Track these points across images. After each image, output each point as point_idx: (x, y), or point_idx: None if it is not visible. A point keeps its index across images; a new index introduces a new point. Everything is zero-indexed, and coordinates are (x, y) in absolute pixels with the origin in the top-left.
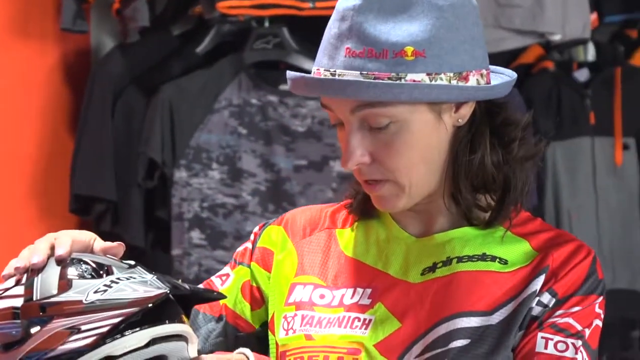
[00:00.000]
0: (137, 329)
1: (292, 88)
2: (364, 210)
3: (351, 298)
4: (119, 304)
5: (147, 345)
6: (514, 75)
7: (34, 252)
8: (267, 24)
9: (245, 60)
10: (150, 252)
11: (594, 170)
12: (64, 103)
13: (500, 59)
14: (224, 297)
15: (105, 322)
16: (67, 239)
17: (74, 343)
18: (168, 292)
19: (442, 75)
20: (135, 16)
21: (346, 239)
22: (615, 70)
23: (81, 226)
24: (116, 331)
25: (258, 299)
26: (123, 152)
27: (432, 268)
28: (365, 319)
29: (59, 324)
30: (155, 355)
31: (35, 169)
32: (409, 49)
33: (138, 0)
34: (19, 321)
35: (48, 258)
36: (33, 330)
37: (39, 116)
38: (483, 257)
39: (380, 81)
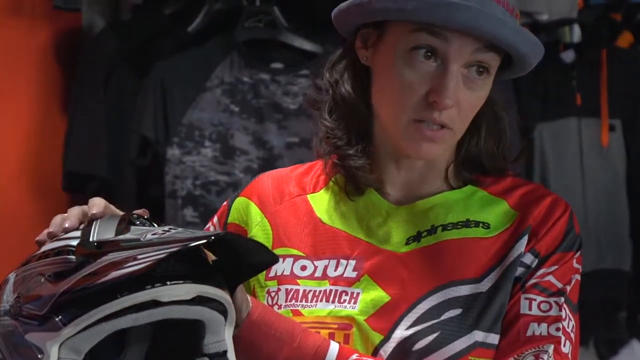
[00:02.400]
0: (187, 281)
1: (413, 12)
2: (371, 178)
3: (335, 270)
4: (178, 239)
5: (192, 301)
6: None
7: (92, 205)
8: (258, 2)
9: (237, 38)
10: None
11: (580, 151)
12: (56, 81)
13: None
14: (277, 259)
15: (162, 251)
16: (101, 202)
17: (128, 269)
18: (227, 232)
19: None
20: None
21: (320, 204)
22: (601, 51)
23: (74, 205)
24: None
25: None
26: (115, 130)
27: (417, 237)
28: (353, 293)
29: (113, 256)
30: (196, 317)
31: (28, 147)
32: (517, 12)
33: None
34: (73, 257)
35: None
36: (85, 263)
37: (31, 94)
38: (467, 224)
39: (527, 32)
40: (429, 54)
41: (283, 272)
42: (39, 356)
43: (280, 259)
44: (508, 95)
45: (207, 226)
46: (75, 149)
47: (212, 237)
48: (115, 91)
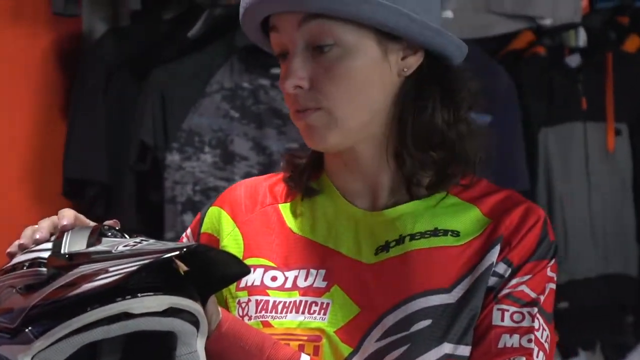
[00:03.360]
0: (159, 293)
1: (244, 21)
2: (305, 185)
3: (305, 280)
4: (149, 251)
5: (165, 313)
6: (466, 46)
7: (62, 217)
8: None
9: (237, 43)
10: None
11: (586, 155)
12: (56, 87)
13: (492, 44)
14: (249, 271)
15: (134, 264)
16: (71, 213)
17: (99, 282)
18: (199, 244)
19: (396, 6)
20: (126, 0)
21: (292, 214)
22: (607, 55)
23: (74, 210)
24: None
25: None
26: (115, 135)
27: (386, 247)
28: (323, 303)
29: (85, 268)
30: (168, 329)
31: (28, 153)
32: None
33: None
34: (44, 269)
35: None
36: (56, 275)
37: (31, 100)
38: (435, 232)
39: None
40: (283, 56)
41: (253, 282)
42: None
43: (251, 269)
44: (512, 99)
45: (182, 236)
46: (74, 154)
47: (184, 249)
48: (115, 96)
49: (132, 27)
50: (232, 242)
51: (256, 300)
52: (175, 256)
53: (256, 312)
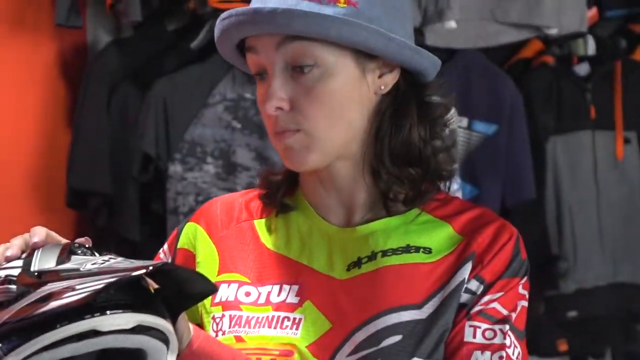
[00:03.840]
0: (127, 310)
1: (219, 42)
2: (280, 202)
3: (278, 296)
4: (117, 269)
5: (133, 330)
6: (439, 61)
7: (33, 234)
8: None
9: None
10: (145, 246)
11: (594, 164)
12: (60, 98)
13: (500, 53)
14: (215, 289)
15: (101, 282)
16: (42, 230)
17: (66, 299)
18: (165, 262)
19: (372, 26)
20: (128, 11)
21: (266, 230)
22: (616, 64)
23: (78, 220)
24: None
25: None
26: (118, 146)
27: (358, 263)
28: (295, 319)
29: (53, 286)
30: (137, 346)
31: (32, 164)
32: None
33: None
34: (14, 286)
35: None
36: (26, 293)
37: (35, 111)
38: (407, 249)
39: (312, 11)
40: (260, 75)
41: (227, 298)
42: None
43: (226, 285)
44: (518, 108)
45: (158, 252)
46: (78, 165)
47: (150, 267)
48: (118, 107)
49: (135, 38)
50: (208, 257)
51: (230, 316)
52: (142, 274)
53: (230, 327)
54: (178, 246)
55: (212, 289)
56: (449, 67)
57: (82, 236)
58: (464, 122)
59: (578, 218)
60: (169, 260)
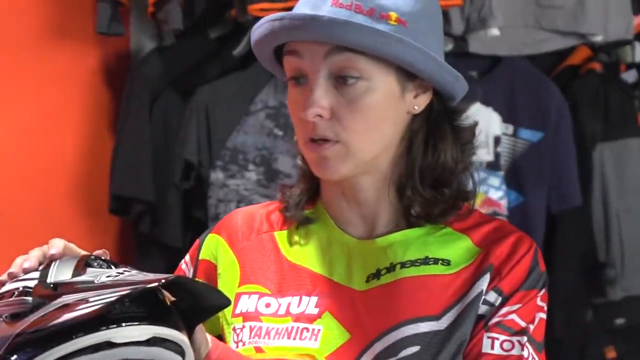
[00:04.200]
0: (143, 322)
1: (262, 40)
2: (300, 215)
3: (298, 307)
4: (130, 281)
5: (148, 342)
6: (467, 86)
7: (51, 246)
8: None
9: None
10: (187, 252)
11: None
12: (103, 105)
13: (547, 60)
14: (229, 303)
15: (114, 294)
16: (60, 242)
17: (80, 311)
18: (178, 275)
19: (421, 47)
20: (169, 19)
21: (287, 242)
22: None
23: (121, 227)
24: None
25: None
26: (161, 153)
27: (377, 275)
28: (314, 329)
29: (68, 298)
30: (152, 357)
31: (76, 170)
32: (394, 15)
33: (171, 3)
34: (29, 298)
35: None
36: (41, 304)
37: (79, 118)
38: (426, 261)
39: (368, 26)
40: (297, 79)
41: (248, 309)
42: None
43: (246, 296)
44: (564, 115)
45: (180, 263)
46: (120, 172)
47: (163, 280)
48: (160, 115)
49: (178, 45)
50: (228, 268)
51: (250, 326)
52: (156, 287)
53: (250, 338)
54: (200, 257)
55: (226, 302)
56: (494, 74)
57: (125, 242)
58: (510, 129)
59: (626, 225)
60: (191, 271)
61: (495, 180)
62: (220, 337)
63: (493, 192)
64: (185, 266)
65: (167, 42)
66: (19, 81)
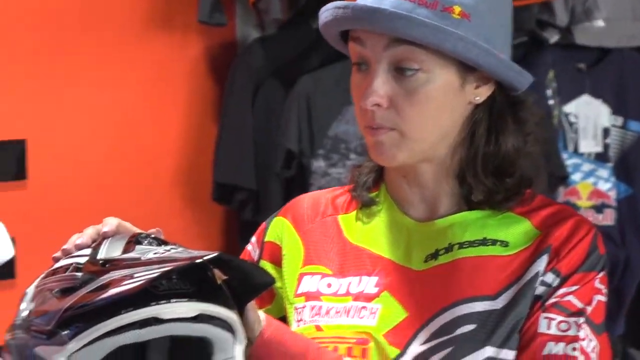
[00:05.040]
0: (190, 299)
1: (327, 25)
2: (366, 196)
3: (357, 286)
4: (175, 258)
5: (195, 319)
6: (532, 78)
7: (105, 224)
8: None
9: None
10: None
11: None
12: (207, 94)
13: None
14: (272, 281)
15: (158, 270)
16: (114, 221)
17: (125, 286)
18: (221, 252)
19: (481, 43)
20: (269, 9)
21: (349, 225)
22: None
23: (225, 215)
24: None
25: (266, 297)
26: (263, 142)
27: (434, 255)
28: (372, 308)
29: (114, 274)
30: (199, 334)
31: (180, 158)
32: (457, 8)
33: None
34: (80, 274)
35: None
36: (90, 280)
37: (183, 106)
38: (484, 242)
39: (431, 22)
40: (359, 65)
41: (310, 289)
42: None
43: (309, 276)
44: None
45: (246, 246)
46: (223, 160)
47: (206, 257)
48: (263, 104)
49: (280, 35)
50: (293, 250)
51: (311, 306)
52: (200, 264)
53: (310, 317)
54: (265, 239)
55: (269, 280)
56: (602, 66)
57: (229, 230)
58: (619, 121)
59: None
60: (257, 253)
61: (604, 172)
62: (284, 318)
63: (602, 184)
64: (251, 248)
65: (270, 32)
66: (124, 71)
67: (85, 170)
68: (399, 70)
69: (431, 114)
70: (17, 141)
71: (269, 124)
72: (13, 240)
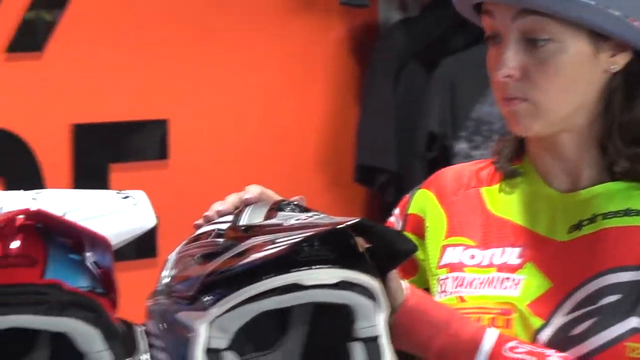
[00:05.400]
0: (332, 266)
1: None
2: (509, 167)
3: (500, 257)
4: (317, 224)
5: (337, 286)
6: None
7: (247, 191)
8: None
9: None
10: None
11: None
12: (349, 76)
13: None
14: (415, 249)
15: (300, 236)
16: (257, 188)
17: (266, 252)
18: (363, 218)
19: (610, 11)
20: None
21: (493, 197)
22: None
23: (367, 196)
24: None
25: (409, 269)
26: (405, 124)
27: (578, 226)
28: (515, 279)
29: (256, 239)
30: (340, 301)
31: (322, 140)
32: None
33: None
34: (221, 240)
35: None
36: (232, 246)
37: (324, 88)
38: (627, 212)
39: None
40: (493, 39)
41: (452, 260)
42: (190, 334)
43: (452, 248)
44: None
45: (389, 217)
46: (365, 142)
47: (348, 222)
48: (405, 86)
49: (423, 17)
50: (436, 222)
51: (453, 277)
52: (342, 230)
53: (453, 288)
54: (408, 212)
55: (411, 247)
56: None
57: (371, 212)
58: None
59: None
60: (400, 225)
61: None
62: (427, 291)
63: None
64: (394, 219)
65: (412, 13)
66: (266, 53)
67: (227, 151)
68: (530, 42)
69: (563, 84)
70: (160, 121)
71: (411, 106)
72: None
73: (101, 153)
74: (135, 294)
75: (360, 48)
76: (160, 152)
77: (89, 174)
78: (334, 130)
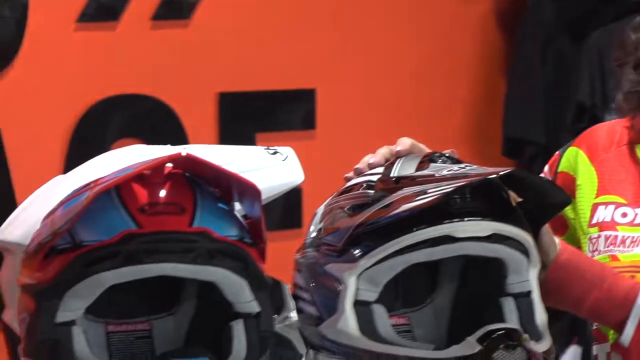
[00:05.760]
0: (485, 218)
1: None
2: None
3: None
4: (469, 174)
5: (489, 238)
6: None
7: (398, 144)
8: None
9: None
10: None
11: None
12: (496, 48)
13: None
14: (568, 200)
15: (451, 186)
16: (408, 141)
17: (417, 202)
18: (515, 168)
19: None
20: None
21: None
22: None
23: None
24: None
25: (559, 227)
26: (553, 96)
27: None
28: None
29: (407, 190)
30: (492, 254)
31: (469, 113)
32: None
33: None
34: (371, 191)
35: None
36: (382, 197)
37: (470, 61)
38: None
39: None
40: None
41: (604, 218)
42: (339, 287)
43: (603, 206)
44: None
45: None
46: (513, 115)
47: (500, 172)
48: (553, 58)
49: None
50: (587, 180)
51: (605, 236)
52: (493, 179)
53: (605, 247)
54: (559, 170)
55: (566, 199)
56: None
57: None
58: None
59: None
60: None
61: None
62: (578, 249)
63: None
64: (543, 177)
65: None
66: (414, 24)
67: (374, 122)
68: None
69: None
70: (307, 90)
71: (559, 78)
72: (301, 190)
73: (247, 122)
74: (281, 264)
75: (508, 20)
76: (308, 122)
77: (235, 143)
78: (482, 102)
